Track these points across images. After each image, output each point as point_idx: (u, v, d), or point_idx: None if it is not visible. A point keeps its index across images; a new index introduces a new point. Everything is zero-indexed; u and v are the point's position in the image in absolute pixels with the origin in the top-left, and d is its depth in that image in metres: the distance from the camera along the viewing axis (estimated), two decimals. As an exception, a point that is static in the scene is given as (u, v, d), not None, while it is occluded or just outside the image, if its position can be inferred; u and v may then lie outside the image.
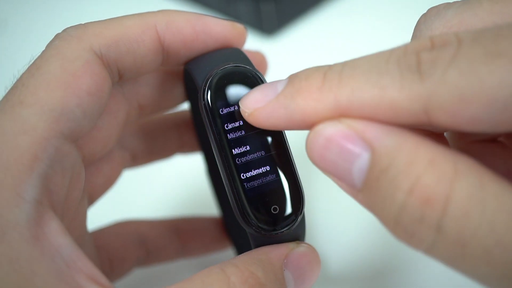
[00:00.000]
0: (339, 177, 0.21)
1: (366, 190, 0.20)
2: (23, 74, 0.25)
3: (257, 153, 0.25)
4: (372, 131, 0.20)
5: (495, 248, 0.18)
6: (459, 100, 0.18)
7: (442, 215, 0.18)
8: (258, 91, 0.23)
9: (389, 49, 0.21)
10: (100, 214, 0.33)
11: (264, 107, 0.23)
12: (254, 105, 0.23)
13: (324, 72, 0.21)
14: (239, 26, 0.29)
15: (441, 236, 0.18)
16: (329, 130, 0.21)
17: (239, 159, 0.25)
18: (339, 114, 0.21)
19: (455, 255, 0.18)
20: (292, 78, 0.22)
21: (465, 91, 0.18)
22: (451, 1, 0.24)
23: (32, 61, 0.25)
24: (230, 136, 0.25)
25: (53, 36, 0.26)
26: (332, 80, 0.21)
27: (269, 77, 0.27)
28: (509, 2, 0.22)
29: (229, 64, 0.26)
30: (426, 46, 0.20)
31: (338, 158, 0.21)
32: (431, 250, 0.19)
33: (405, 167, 0.19)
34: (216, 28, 0.28)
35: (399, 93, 0.19)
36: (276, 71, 0.36)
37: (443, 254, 0.19)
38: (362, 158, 0.20)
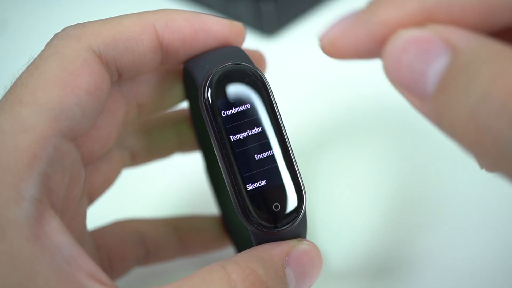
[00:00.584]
0: (411, 84, 0.19)
1: (439, 93, 0.19)
2: (22, 73, 0.25)
3: (259, 151, 0.25)
4: (458, 34, 0.19)
5: None
6: None
7: None
8: (336, 21, 0.22)
9: None
10: (100, 213, 0.33)
11: (344, 32, 0.21)
12: (332, 33, 0.21)
13: None
14: (237, 25, 0.29)
15: None
16: (412, 33, 0.19)
17: (241, 158, 0.25)
18: (425, 20, 0.19)
19: None
20: None
21: None
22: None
23: (31, 61, 0.25)
24: (231, 134, 0.25)
25: (52, 36, 0.26)
26: None
27: (269, 76, 0.27)
28: None
29: (229, 62, 0.26)
30: None
31: (415, 60, 0.19)
32: (505, 153, 0.17)
33: (489, 60, 0.17)
34: (215, 27, 0.28)
35: None
36: (276, 72, 0.36)
37: None
38: (442, 59, 0.19)
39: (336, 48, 0.21)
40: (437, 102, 0.19)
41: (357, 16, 0.21)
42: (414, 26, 0.20)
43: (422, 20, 0.19)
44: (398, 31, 0.20)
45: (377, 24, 0.20)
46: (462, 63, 0.18)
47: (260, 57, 0.32)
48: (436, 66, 0.19)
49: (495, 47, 0.18)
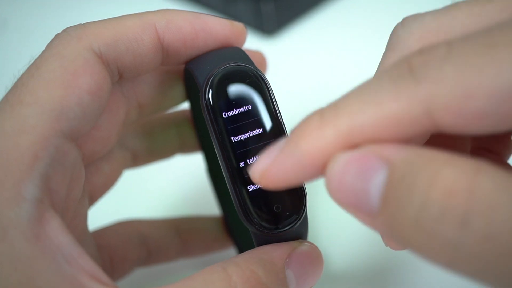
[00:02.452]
0: (357, 203, 0.20)
1: (383, 208, 0.19)
2: (23, 74, 0.25)
3: (260, 152, 0.25)
4: (389, 149, 0.19)
5: None
6: (460, 95, 0.18)
7: (466, 208, 0.17)
8: (263, 154, 0.23)
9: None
10: (101, 214, 0.33)
11: (272, 164, 0.22)
12: (262, 167, 0.22)
13: (321, 111, 0.21)
14: (238, 25, 0.29)
15: (467, 231, 0.17)
16: (347, 155, 0.20)
17: (242, 158, 0.25)
18: (344, 144, 0.20)
19: (482, 254, 0.17)
20: (292, 129, 0.22)
21: (464, 84, 0.18)
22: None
23: (32, 61, 0.25)
24: (232, 135, 0.25)
25: (53, 36, 0.26)
26: (329, 115, 0.20)
27: (269, 76, 0.27)
28: (487, 4, 0.22)
29: (230, 63, 0.26)
30: (415, 53, 0.19)
31: (356, 179, 0.20)
32: (456, 252, 0.17)
33: (423, 167, 0.18)
34: (215, 27, 0.28)
35: (397, 103, 0.19)
36: (276, 72, 0.36)
37: (470, 254, 0.17)
38: (380, 174, 0.19)
39: (267, 179, 0.22)
40: (384, 216, 0.19)
41: (282, 149, 0.22)
42: (337, 150, 0.20)
43: (342, 145, 0.20)
44: (334, 155, 0.20)
45: (302, 156, 0.21)
46: (398, 175, 0.19)
47: (261, 58, 0.32)
48: (376, 182, 0.19)
49: (425, 154, 0.18)
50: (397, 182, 0.19)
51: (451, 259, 0.18)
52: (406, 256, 0.35)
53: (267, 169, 0.22)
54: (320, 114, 0.21)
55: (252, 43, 0.32)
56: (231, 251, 0.36)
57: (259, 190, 0.25)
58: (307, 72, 0.52)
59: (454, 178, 0.17)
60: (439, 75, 0.18)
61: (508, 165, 0.26)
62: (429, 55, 0.19)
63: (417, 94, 0.19)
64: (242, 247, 0.34)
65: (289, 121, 0.27)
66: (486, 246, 0.17)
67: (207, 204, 0.39)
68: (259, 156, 0.23)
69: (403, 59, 0.20)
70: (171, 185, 0.43)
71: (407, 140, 0.20)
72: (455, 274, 0.18)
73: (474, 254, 0.17)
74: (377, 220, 0.20)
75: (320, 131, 0.20)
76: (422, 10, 0.24)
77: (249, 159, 0.25)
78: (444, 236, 0.17)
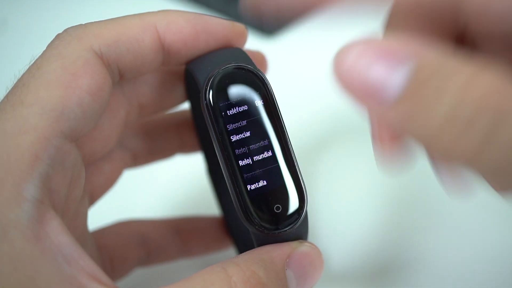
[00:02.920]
0: (370, 90, 0.19)
1: (406, 100, 0.19)
2: (24, 74, 0.25)
3: (260, 152, 0.25)
4: (416, 44, 0.19)
5: None
6: None
7: (499, 108, 0.17)
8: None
9: None
10: (101, 214, 0.33)
11: None
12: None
13: None
14: (239, 26, 0.29)
15: (497, 135, 0.17)
16: (369, 43, 0.20)
17: (242, 159, 0.25)
18: None
19: (505, 160, 0.17)
20: None
21: None
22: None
23: (33, 61, 0.25)
24: (232, 135, 0.25)
25: (53, 36, 0.26)
26: None
27: (269, 77, 0.27)
28: None
29: (230, 63, 0.26)
30: None
31: (376, 64, 0.19)
32: (480, 154, 0.18)
33: (457, 70, 0.18)
34: (216, 28, 0.28)
35: None
36: (276, 71, 0.36)
37: (492, 158, 0.18)
38: (404, 66, 0.19)
39: None
40: (403, 108, 0.19)
41: None
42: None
43: None
44: (351, 43, 0.20)
45: None
46: (428, 72, 0.19)
47: (262, 58, 0.32)
48: (400, 73, 0.19)
49: (456, 58, 0.19)
50: (426, 79, 0.19)
51: (473, 159, 0.18)
52: (406, 257, 0.35)
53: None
54: None
55: (252, 43, 0.32)
56: (231, 251, 0.36)
57: (259, 190, 0.25)
58: (307, 72, 0.52)
59: (489, 83, 0.18)
60: None
61: None
62: None
63: None
64: (242, 248, 0.34)
65: (290, 121, 0.27)
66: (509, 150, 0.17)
67: (207, 204, 0.39)
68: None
69: None
70: (171, 185, 0.43)
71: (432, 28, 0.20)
72: (466, 170, 0.19)
73: (497, 158, 0.18)
74: (391, 110, 0.19)
75: None
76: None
77: (249, 159, 0.25)
78: (474, 137, 0.18)
